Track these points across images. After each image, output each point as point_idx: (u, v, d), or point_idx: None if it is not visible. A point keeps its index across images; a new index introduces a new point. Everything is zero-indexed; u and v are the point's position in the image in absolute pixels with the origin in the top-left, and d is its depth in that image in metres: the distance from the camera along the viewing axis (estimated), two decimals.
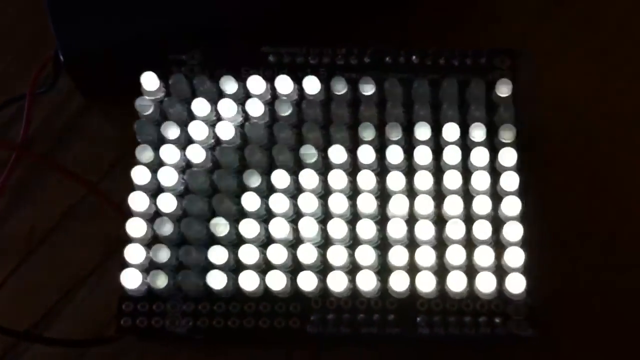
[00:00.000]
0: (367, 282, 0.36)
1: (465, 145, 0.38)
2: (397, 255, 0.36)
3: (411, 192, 0.37)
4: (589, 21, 0.45)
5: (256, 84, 0.39)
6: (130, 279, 0.36)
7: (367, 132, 0.38)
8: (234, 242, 0.37)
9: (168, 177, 0.37)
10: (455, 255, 0.36)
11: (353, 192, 0.37)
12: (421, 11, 0.45)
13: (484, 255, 0.36)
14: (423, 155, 0.37)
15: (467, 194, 0.37)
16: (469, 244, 0.36)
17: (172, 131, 0.38)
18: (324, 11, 0.43)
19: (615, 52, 0.45)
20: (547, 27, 0.45)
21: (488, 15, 0.46)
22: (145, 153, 0.37)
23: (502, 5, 0.46)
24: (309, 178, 0.37)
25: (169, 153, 0.37)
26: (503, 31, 0.45)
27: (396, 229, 0.36)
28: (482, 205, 0.37)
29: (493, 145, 0.38)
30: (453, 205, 0.37)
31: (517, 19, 0.46)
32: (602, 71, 0.44)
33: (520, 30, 0.45)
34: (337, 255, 0.36)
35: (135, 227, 0.36)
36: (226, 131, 0.38)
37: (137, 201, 0.37)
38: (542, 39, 0.45)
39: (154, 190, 0.37)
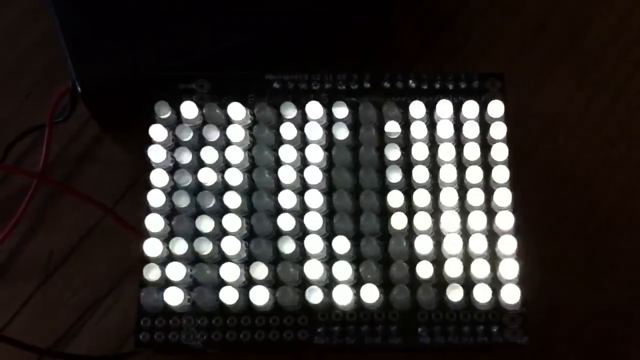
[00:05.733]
0: (370, 295, 0.37)
1: (460, 163, 0.40)
2: (399, 270, 0.38)
3: (410, 210, 0.39)
4: (571, 44, 0.47)
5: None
6: (148, 297, 0.37)
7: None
8: (245, 259, 0.39)
9: (182, 199, 0.39)
10: (453, 267, 0.38)
11: (356, 210, 0.39)
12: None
13: (481, 268, 0.38)
14: (421, 174, 0.39)
15: (463, 210, 0.39)
16: (466, 256, 0.38)
17: (184, 156, 0.39)
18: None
19: (598, 72, 0.47)
20: (531, 50, 0.47)
21: (477, 43, 0.48)
22: (159, 177, 0.39)
23: (489, 31, 0.48)
24: (314, 198, 0.39)
25: (182, 177, 0.39)
26: (490, 56, 0.47)
27: (397, 245, 0.38)
28: (477, 220, 0.38)
29: (487, 163, 0.40)
30: (450, 221, 0.39)
31: (506, 40, 0.48)
32: (587, 90, 0.46)
33: (508, 53, 0.47)
34: (342, 270, 0.38)
35: (152, 248, 0.38)
36: (236, 155, 0.40)
37: (153, 223, 0.38)
38: (528, 62, 0.47)
39: (168, 212, 0.39)
